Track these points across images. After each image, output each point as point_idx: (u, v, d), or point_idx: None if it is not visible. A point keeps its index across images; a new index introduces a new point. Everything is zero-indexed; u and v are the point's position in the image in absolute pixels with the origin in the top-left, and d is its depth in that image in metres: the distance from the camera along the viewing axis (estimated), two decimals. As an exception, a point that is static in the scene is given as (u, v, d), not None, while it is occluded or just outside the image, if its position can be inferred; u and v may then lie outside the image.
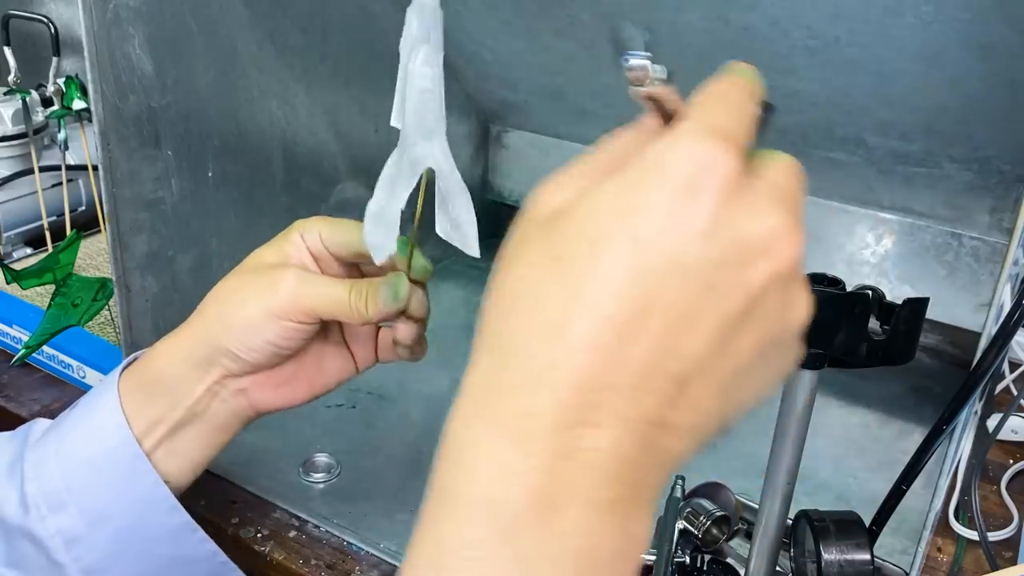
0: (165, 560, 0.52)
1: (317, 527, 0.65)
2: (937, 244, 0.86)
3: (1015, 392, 0.80)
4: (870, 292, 0.42)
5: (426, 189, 0.47)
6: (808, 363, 0.43)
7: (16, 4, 1.09)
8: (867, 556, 0.45)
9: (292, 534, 0.65)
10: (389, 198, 0.46)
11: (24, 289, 0.85)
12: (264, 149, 0.77)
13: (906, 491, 0.48)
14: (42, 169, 1.03)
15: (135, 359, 0.54)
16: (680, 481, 0.55)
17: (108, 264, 0.77)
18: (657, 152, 0.27)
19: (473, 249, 0.46)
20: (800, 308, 0.30)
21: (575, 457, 0.26)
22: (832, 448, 0.78)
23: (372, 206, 0.47)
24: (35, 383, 0.83)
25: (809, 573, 0.47)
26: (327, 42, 0.80)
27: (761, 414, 0.89)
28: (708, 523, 0.52)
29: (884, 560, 0.54)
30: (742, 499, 0.54)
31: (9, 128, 1.04)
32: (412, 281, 0.51)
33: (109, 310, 0.83)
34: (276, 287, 0.50)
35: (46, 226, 1.02)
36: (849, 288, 0.42)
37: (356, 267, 0.55)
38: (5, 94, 1.05)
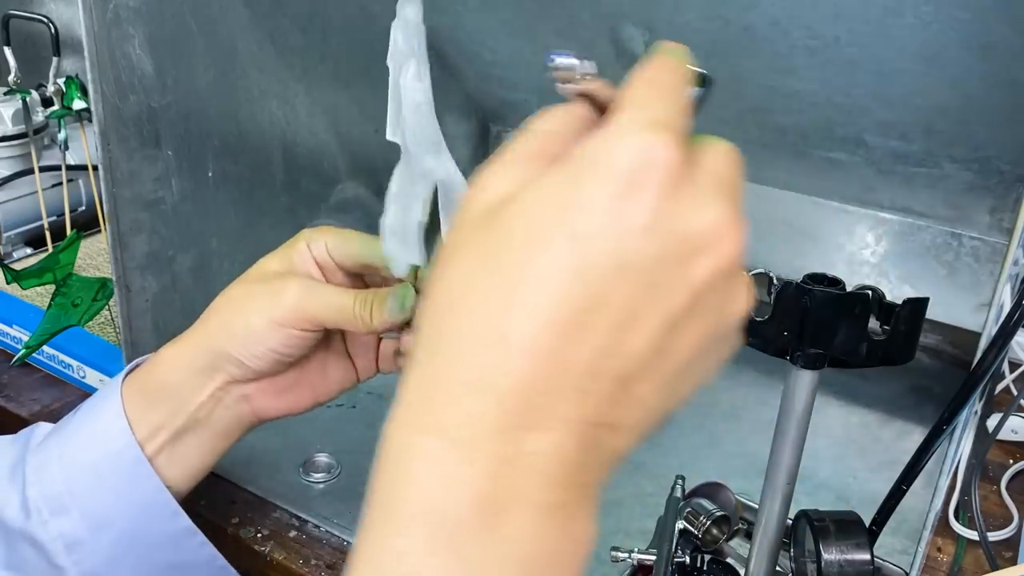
0: (165, 564, 0.52)
1: (317, 527, 0.65)
2: (937, 244, 0.86)
3: (1015, 392, 0.80)
4: (870, 292, 0.42)
5: (431, 201, 0.47)
6: (808, 363, 0.43)
7: (16, 4, 1.09)
8: (867, 556, 0.45)
9: (292, 534, 0.65)
10: (404, 212, 0.47)
11: (24, 289, 0.85)
12: (264, 149, 0.77)
13: (906, 491, 0.48)
14: (42, 169, 1.03)
15: (138, 365, 0.54)
16: (680, 481, 0.55)
17: (108, 264, 0.77)
18: (595, 147, 0.27)
19: None
20: (741, 301, 0.29)
21: (518, 461, 0.26)
22: (832, 448, 0.78)
23: (389, 220, 0.48)
24: (35, 383, 0.83)
25: (809, 573, 0.47)
26: (327, 42, 0.80)
27: (761, 414, 0.90)
28: (708, 523, 0.52)
29: (884, 560, 0.53)
30: (742, 499, 0.54)
31: (9, 128, 1.04)
32: (418, 292, 0.51)
33: (109, 310, 0.83)
34: (281, 295, 0.50)
35: (46, 226, 1.02)
36: (849, 288, 0.42)
37: (360, 277, 0.55)
38: (5, 94, 1.05)
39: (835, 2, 0.64)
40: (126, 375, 0.53)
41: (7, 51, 1.04)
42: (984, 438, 0.65)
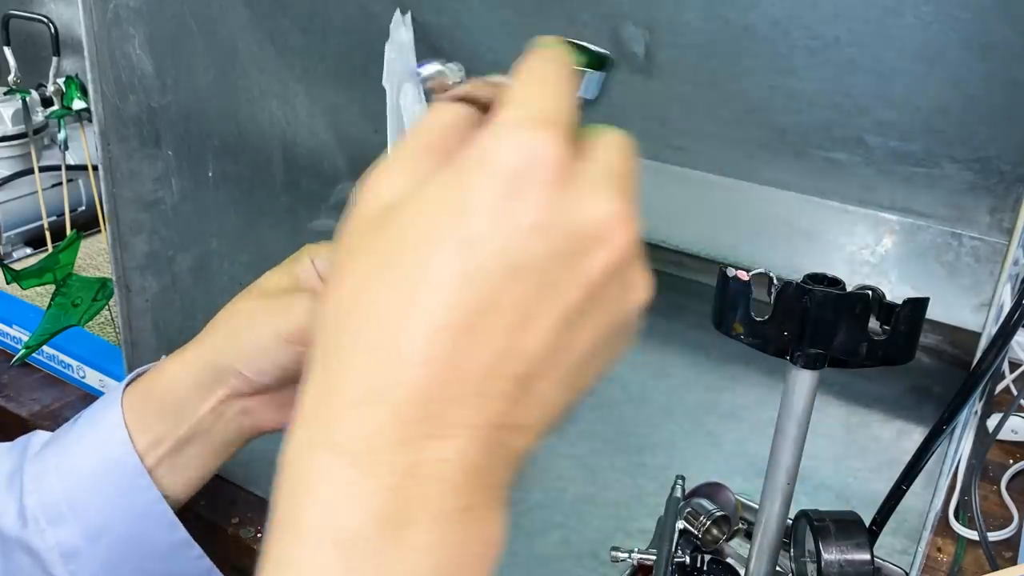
0: (160, 575, 0.52)
1: (317, 527, 0.65)
2: (937, 244, 0.86)
3: (1015, 392, 0.80)
4: (870, 292, 0.42)
5: None
6: (808, 363, 0.43)
7: (16, 4, 1.09)
8: (867, 556, 0.45)
9: (292, 534, 0.65)
10: None
11: (24, 289, 0.85)
12: (264, 149, 0.77)
13: (906, 491, 0.48)
14: (42, 169, 1.03)
15: (139, 375, 0.53)
16: (680, 481, 0.55)
17: (108, 264, 0.77)
18: (479, 148, 0.26)
19: None
20: (639, 290, 0.29)
21: (420, 471, 0.25)
22: (832, 448, 0.79)
23: None
24: (35, 383, 0.83)
25: (809, 573, 0.47)
26: (327, 42, 0.80)
27: (761, 414, 0.90)
28: (708, 523, 0.52)
29: (884, 560, 0.53)
30: (742, 499, 0.54)
31: (9, 128, 1.04)
32: None
33: (109, 310, 0.83)
34: (290, 311, 0.50)
35: (46, 226, 1.02)
36: (849, 288, 0.42)
37: None
38: (5, 94, 1.05)
39: (835, 2, 0.64)
40: (127, 385, 0.52)
41: (7, 51, 1.04)
42: (984, 438, 0.65)
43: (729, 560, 0.53)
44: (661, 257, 1.06)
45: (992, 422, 0.67)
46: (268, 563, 0.26)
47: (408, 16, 0.45)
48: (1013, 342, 0.46)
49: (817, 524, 0.46)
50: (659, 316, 1.15)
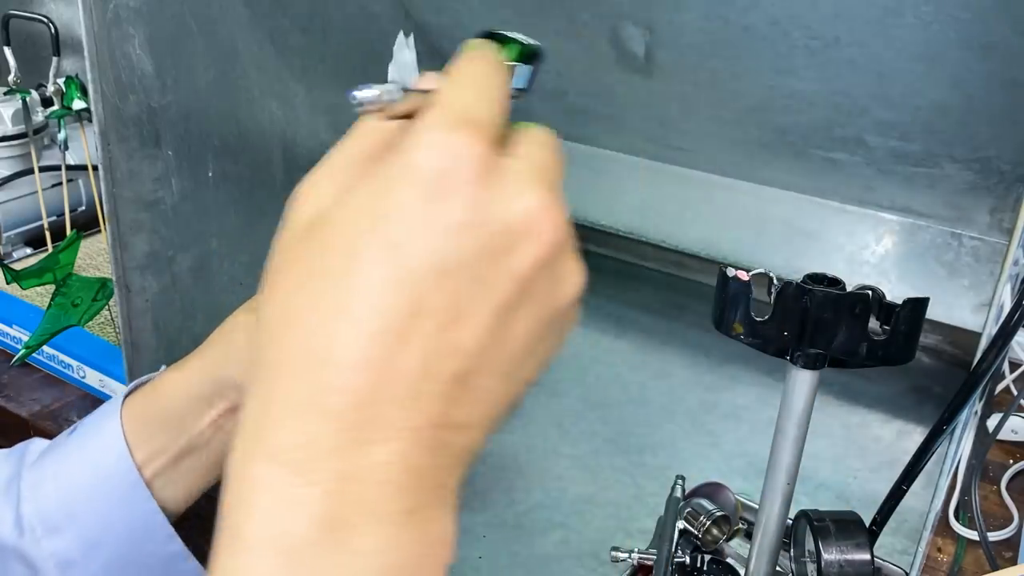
0: None
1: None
2: (937, 244, 0.86)
3: (1015, 392, 0.80)
4: (870, 292, 0.42)
5: None
6: (808, 363, 0.43)
7: (16, 4, 1.09)
8: (867, 556, 0.45)
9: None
10: None
11: (24, 289, 0.85)
12: (264, 149, 0.77)
13: (906, 491, 0.48)
14: (42, 169, 1.03)
15: (139, 386, 0.53)
16: (680, 481, 0.55)
17: (108, 264, 0.77)
18: (400, 153, 0.27)
19: None
20: (572, 280, 0.29)
21: (361, 476, 0.25)
22: (832, 448, 0.79)
23: None
24: (35, 383, 0.83)
25: (809, 573, 0.47)
26: (327, 42, 0.80)
27: (761, 414, 0.89)
28: (708, 523, 0.52)
29: (884, 560, 0.54)
30: (742, 499, 0.54)
31: (9, 128, 1.04)
32: None
33: (109, 310, 0.83)
34: None
35: (46, 226, 1.02)
36: (849, 288, 0.42)
37: None
38: (5, 94, 1.05)
39: (835, 2, 0.64)
40: (127, 395, 0.52)
41: (7, 51, 1.04)
42: (984, 438, 0.65)
43: (729, 560, 0.53)
44: (661, 257, 1.07)
45: (992, 422, 0.67)
46: (215, 572, 0.26)
47: (411, 39, 0.45)
48: (1013, 342, 0.46)
49: (817, 524, 0.46)
50: (659, 316, 1.15)
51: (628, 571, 0.56)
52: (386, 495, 0.26)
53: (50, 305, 0.79)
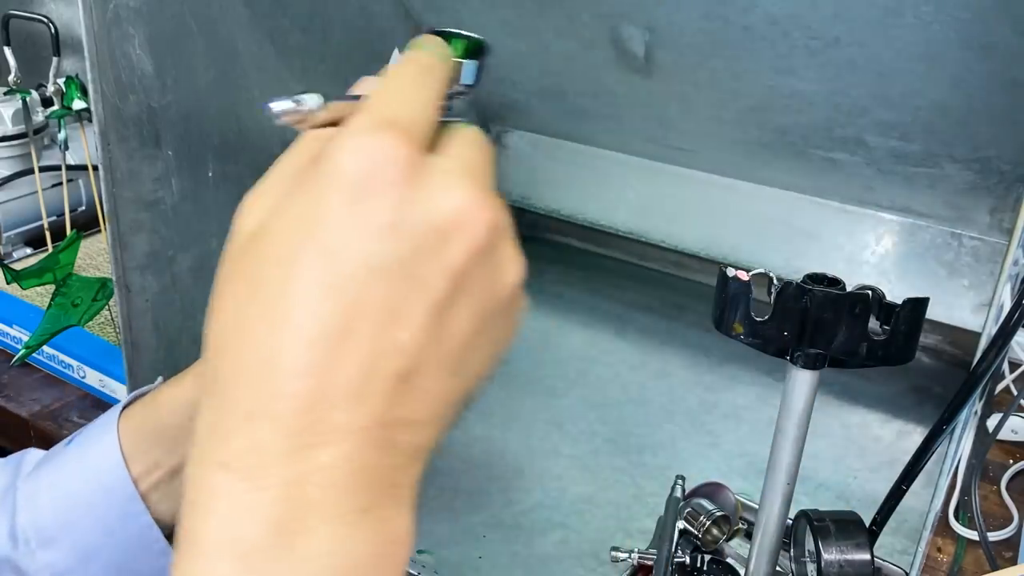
0: None
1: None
2: (937, 244, 0.86)
3: (1015, 392, 0.80)
4: (870, 292, 0.42)
5: None
6: (808, 363, 0.43)
7: (16, 4, 1.09)
8: (867, 556, 0.45)
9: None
10: None
11: (24, 289, 0.85)
12: (264, 149, 0.77)
13: (906, 491, 0.48)
14: (42, 169, 1.03)
15: (137, 398, 0.53)
16: (680, 481, 0.55)
17: (108, 264, 0.77)
18: (326, 160, 0.27)
19: None
20: (511, 270, 0.29)
21: (310, 479, 0.26)
22: (832, 448, 0.78)
23: None
24: (35, 383, 0.83)
25: (809, 573, 0.47)
26: (327, 42, 0.80)
27: (761, 414, 0.89)
28: (708, 523, 0.52)
29: (884, 560, 0.54)
30: (742, 499, 0.54)
31: (9, 128, 1.04)
32: None
33: (109, 310, 0.83)
34: None
35: (46, 226, 1.02)
36: (849, 288, 0.42)
37: None
38: (5, 94, 1.05)
39: (835, 2, 0.64)
40: (124, 407, 0.52)
41: (7, 51, 1.04)
42: (984, 438, 0.65)
43: (729, 560, 0.53)
44: (661, 257, 1.07)
45: (992, 422, 0.67)
46: (176, 572, 0.27)
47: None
48: (1013, 342, 0.46)
49: (817, 524, 0.46)
50: (659, 316, 1.15)
51: (628, 571, 0.56)
52: (335, 497, 0.26)
53: (50, 305, 0.79)
